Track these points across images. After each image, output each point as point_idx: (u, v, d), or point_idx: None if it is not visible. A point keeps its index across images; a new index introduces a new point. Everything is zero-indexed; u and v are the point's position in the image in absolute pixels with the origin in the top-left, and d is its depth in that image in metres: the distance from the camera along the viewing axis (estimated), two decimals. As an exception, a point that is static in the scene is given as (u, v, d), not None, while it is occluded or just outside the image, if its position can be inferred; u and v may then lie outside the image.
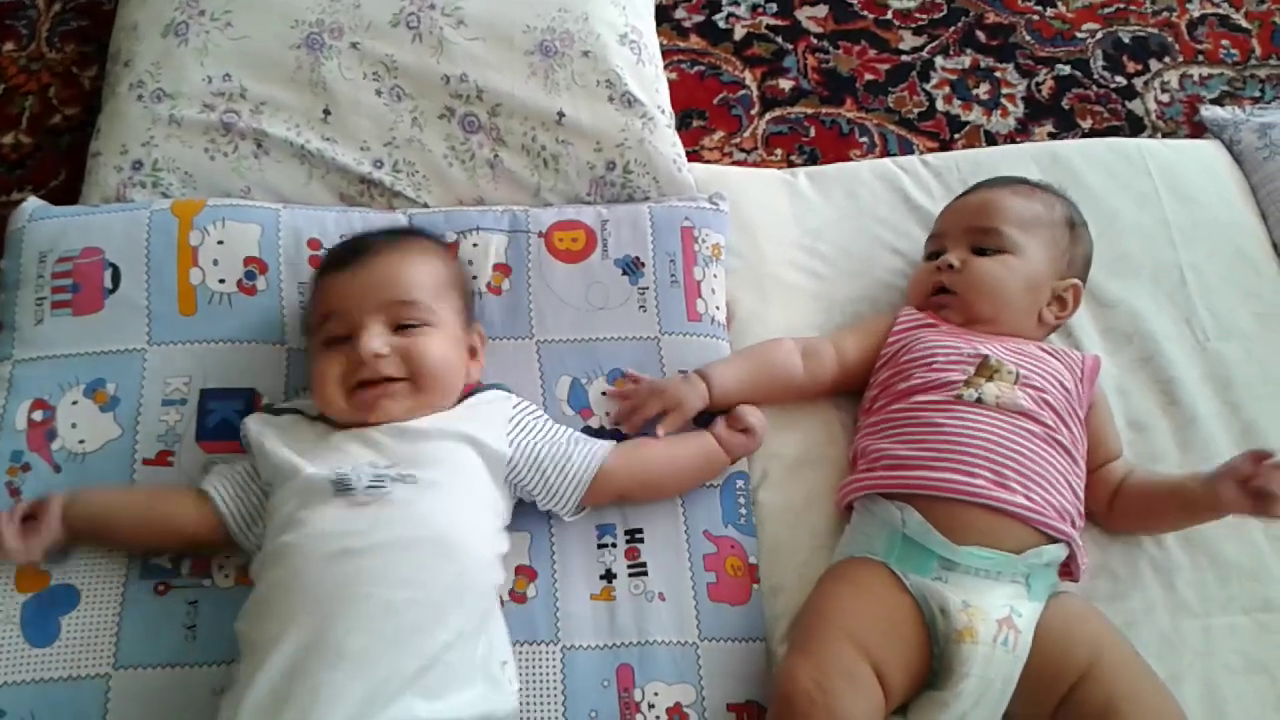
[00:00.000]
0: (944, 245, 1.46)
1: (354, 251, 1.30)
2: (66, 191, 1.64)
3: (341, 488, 1.16)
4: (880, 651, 1.17)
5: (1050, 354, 1.38)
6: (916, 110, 1.91)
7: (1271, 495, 1.19)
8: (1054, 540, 1.25)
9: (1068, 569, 1.29)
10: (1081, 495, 1.31)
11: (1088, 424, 1.36)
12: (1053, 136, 1.88)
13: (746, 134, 1.87)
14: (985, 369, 1.33)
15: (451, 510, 1.19)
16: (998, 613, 1.19)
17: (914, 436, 1.30)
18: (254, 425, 1.26)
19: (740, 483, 1.39)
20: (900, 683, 1.18)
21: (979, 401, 1.30)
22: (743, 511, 1.37)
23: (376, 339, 1.22)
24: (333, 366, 1.23)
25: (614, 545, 1.32)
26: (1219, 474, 1.24)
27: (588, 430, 1.38)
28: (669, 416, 1.36)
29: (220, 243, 1.41)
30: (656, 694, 1.24)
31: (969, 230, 1.44)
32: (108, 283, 1.38)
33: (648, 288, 1.47)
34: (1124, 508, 1.35)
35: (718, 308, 1.49)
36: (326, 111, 1.54)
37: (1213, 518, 1.30)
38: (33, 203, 1.47)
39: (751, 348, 1.45)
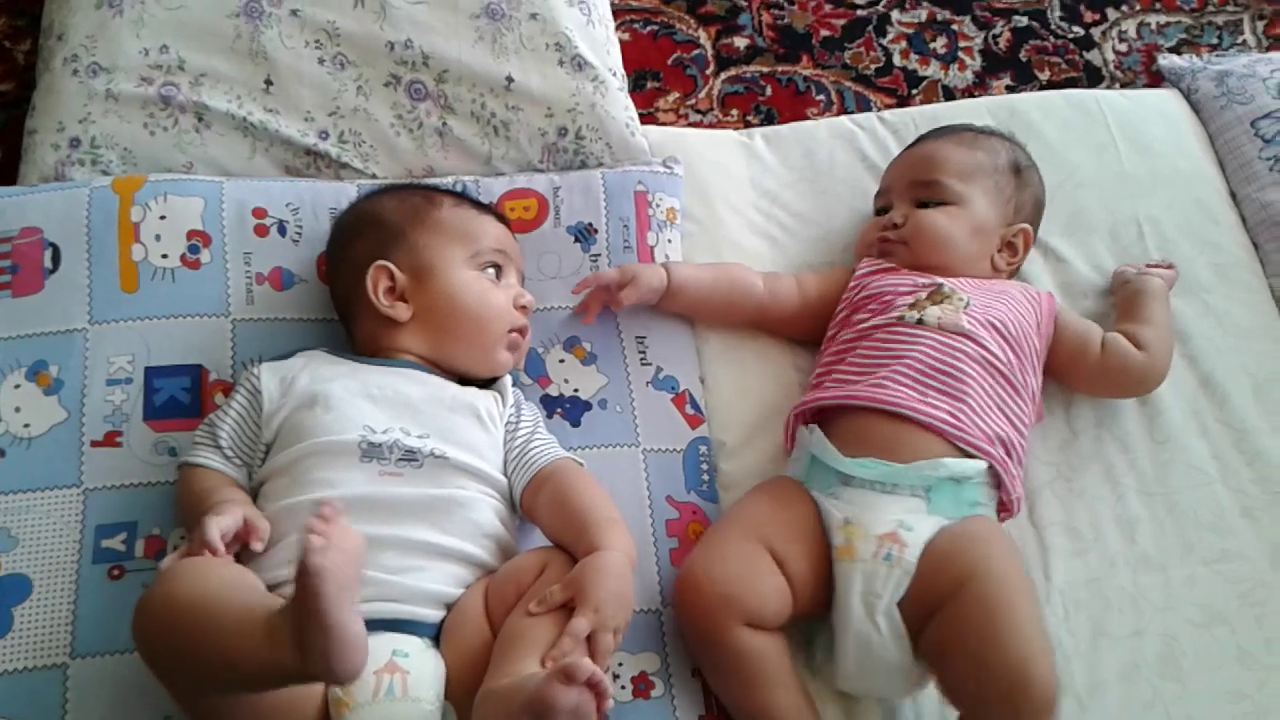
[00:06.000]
0: (889, 201, 1.47)
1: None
2: (4, 170, 1.59)
3: (370, 455, 1.16)
4: (780, 541, 1.20)
5: (1013, 286, 1.38)
6: (874, 66, 1.89)
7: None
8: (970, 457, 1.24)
9: (1003, 505, 1.28)
10: (1022, 428, 1.30)
11: (1064, 327, 1.38)
12: (1011, 89, 1.87)
13: (702, 94, 1.84)
14: (936, 295, 1.33)
15: (468, 488, 1.20)
16: (881, 528, 1.18)
17: (850, 360, 1.32)
18: (271, 370, 1.25)
19: (703, 449, 1.38)
20: (805, 575, 1.19)
21: (920, 323, 1.31)
22: (705, 478, 1.37)
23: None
24: (499, 293, 1.30)
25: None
26: (1131, 275, 1.48)
27: (546, 399, 1.37)
28: (625, 289, 1.37)
29: (162, 217, 1.38)
30: (621, 664, 1.23)
31: (911, 184, 1.45)
32: (48, 263, 1.35)
33: (600, 254, 1.45)
34: (1152, 342, 1.39)
35: (672, 273, 1.48)
36: (268, 82, 1.50)
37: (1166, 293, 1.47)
38: (-33, 185, 1.43)
39: (715, 263, 1.46)
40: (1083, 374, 1.40)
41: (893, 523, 1.19)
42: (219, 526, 1.07)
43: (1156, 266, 1.50)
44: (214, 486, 1.18)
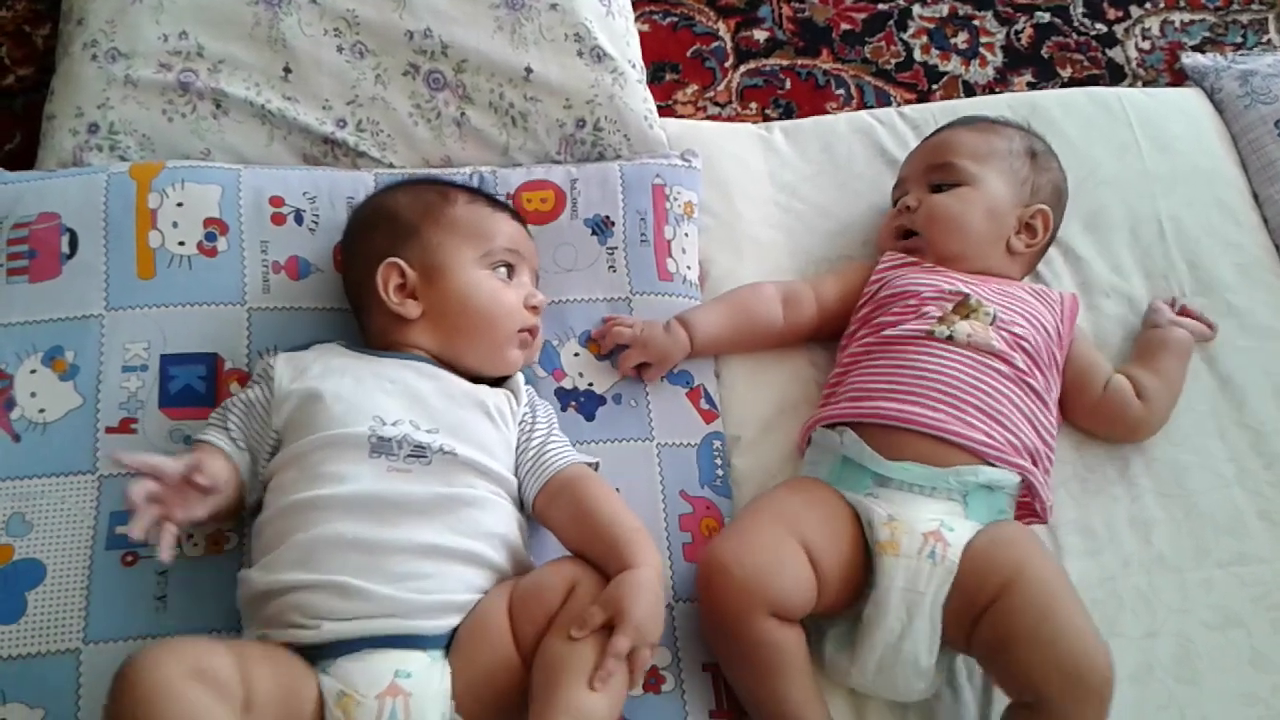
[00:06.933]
0: (906, 190, 1.46)
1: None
2: (23, 154, 1.59)
3: (380, 449, 1.15)
4: (812, 535, 1.18)
5: (1032, 295, 1.37)
6: (894, 61, 1.88)
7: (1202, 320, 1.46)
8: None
9: (1033, 510, 1.29)
10: (1050, 439, 1.30)
11: (1076, 356, 1.37)
12: (1032, 86, 1.86)
13: (721, 87, 1.83)
14: (963, 308, 1.32)
15: (477, 486, 1.18)
16: (925, 526, 1.18)
17: (881, 370, 1.31)
18: (286, 360, 1.24)
19: (717, 443, 1.38)
20: (833, 572, 1.18)
21: (950, 339, 1.30)
22: (719, 472, 1.36)
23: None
24: (510, 293, 1.29)
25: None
26: (1162, 321, 1.44)
27: (560, 392, 1.37)
28: (652, 369, 1.38)
29: (180, 205, 1.38)
30: (632, 657, 1.23)
31: (926, 170, 1.45)
32: (65, 248, 1.35)
33: (616, 247, 1.45)
34: (1155, 396, 1.38)
35: (689, 266, 1.47)
36: (287, 70, 1.50)
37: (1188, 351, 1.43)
38: (-14, 169, 1.43)
39: (733, 294, 1.44)
40: (1078, 408, 1.39)
41: (935, 522, 1.19)
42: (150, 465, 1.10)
43: (1193, 316, 1.47)
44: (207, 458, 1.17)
